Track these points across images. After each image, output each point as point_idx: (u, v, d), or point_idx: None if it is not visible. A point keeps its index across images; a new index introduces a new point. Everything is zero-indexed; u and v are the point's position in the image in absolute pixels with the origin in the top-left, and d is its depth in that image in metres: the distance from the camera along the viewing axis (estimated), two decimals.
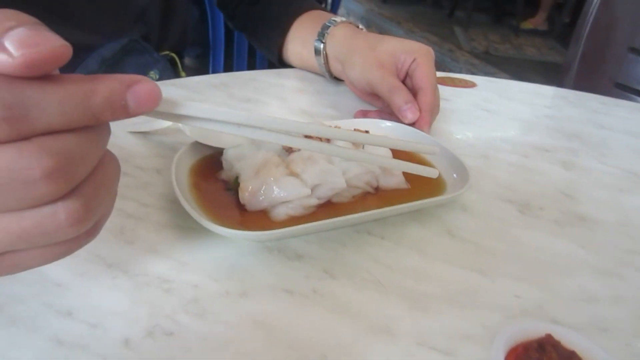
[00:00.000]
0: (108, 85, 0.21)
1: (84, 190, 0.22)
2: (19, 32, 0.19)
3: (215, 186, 0.46)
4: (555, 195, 0.54)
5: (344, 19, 0.77)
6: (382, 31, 4.76)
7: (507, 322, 0.36)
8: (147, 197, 0.47)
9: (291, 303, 0.36)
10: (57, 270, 0.37)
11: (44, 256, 0.24)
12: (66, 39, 0.21)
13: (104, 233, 0.41)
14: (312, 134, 0.32)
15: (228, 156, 0.46)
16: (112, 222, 0.43)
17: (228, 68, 1.33)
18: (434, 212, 0.48)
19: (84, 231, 0.23)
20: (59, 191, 0.20)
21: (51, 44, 0.19)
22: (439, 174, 0.50)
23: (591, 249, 0.45)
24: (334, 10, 2.97)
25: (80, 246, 0.25)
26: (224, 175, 0.47)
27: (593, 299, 0.39)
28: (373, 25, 5.07)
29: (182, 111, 0.25)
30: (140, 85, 0.22)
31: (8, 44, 0.18)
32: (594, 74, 1.07)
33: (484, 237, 0.45)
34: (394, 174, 0.47)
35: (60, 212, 0.21)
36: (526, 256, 0.43)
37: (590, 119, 0.78)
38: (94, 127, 0.22)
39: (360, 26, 0.77)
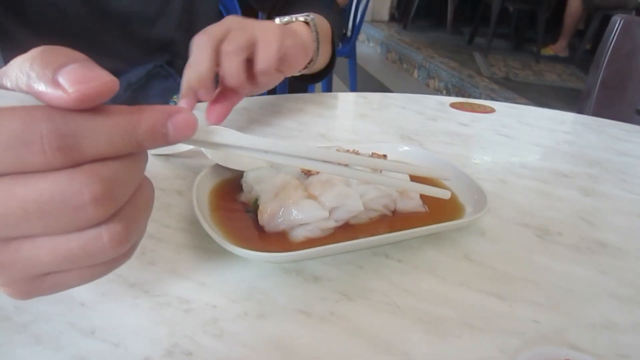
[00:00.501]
0: (151, 115, 0.22)
1: (125, 214, 0.23)
2: (72, 69, 0.20)
3: (235, 208, 0.47)
4: (575, 221, 0.54)
5: (310, 16, 0.71)
6: (402, 57, 4.84)
7: (525, 347, 0.36)
8: (169, 219, 0.48)
9: (308, 325, 0.36)
10: (81, 290, 0.38)
11: (84, 276, 0.25)
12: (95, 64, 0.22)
13: None
14: (331, 160, 0.33)
15: (248, 179, 0.47)
16: None
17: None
18: (452, 236, 0.48)
19: (125, 250, 0.24)
20: (105, 215, 0.22)
21: (102, 80, 0.20)
22: (457, 198, 0.51)
23: (612, 275, 0.45)
24: (354, 35, 3.01)
25: (117, 266, 0.26)
26: (244, 197, 0.48)
27: (614, 326, 0.39)
28: (393, 51, 5.12)
29: (215, 139, 0.27)
30: (179, 116, 0.23)
31: (62, 81, 0.20)
32: (614, 101, 1.07)
33: (501, 262, 0.45)
34: (412, 197, 0.48)
35: (104, 235, 0.22)
36: (545, 281, 0.43)
37: (610, 145, 0.77)
38: (135, 153, 0.23)
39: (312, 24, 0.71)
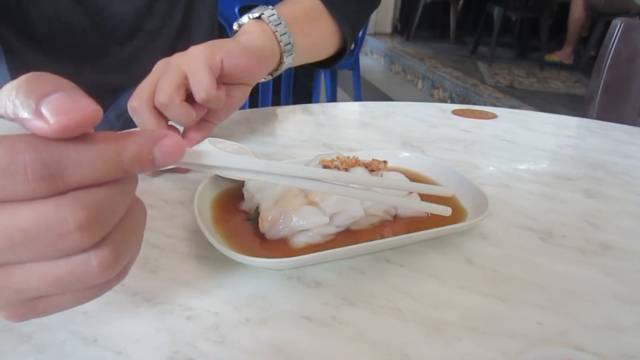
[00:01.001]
0: (137, 141, 0.22)
1: (114, 238, 0.23)
2: (54, 99, 0.20)
3: (237, 217, 0.47)
4: (579, 223, 0.53)
5: (268, 10, 0.68)
6: (405, 68, 4.86)
7: (529, 349, 0.35)
8: (171, 229, 0.48)
9: (310, 330, 0.36)
10: None
11: (76, 299, 0.25)
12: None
13: None
14: (326, 179, 0.32)
15: (249, 187, 0.48)
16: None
17: (253, 105, 1.36)
18: (453, 240, 0.48)
19: (114, 274, 0.24)
20: (91, 241, 0.22)
21: (83, 111, 0.20)
22: (459, 203, 0.51)
23: (616, 277, 0.44)
24: (357, 47, 3.03)
25: (109, 288, 0.26)
26: (245, 206, 0.48)
27: (619, 327, 0.38)
28: (397, 63, 5.15)
29: (205, 161, 0.27)
30: (166, 140, 0.23)
31: (44, 111, 0.20)
32: (617, 105, 1.07)
33: (504, 265, 0.45)
34: None
35: (92, 260, 0.22)
36: (548, 284, 0.43)
37: (614, 148, 0.77)
38: (123, 179, 0.23)
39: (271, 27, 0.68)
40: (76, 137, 0.21)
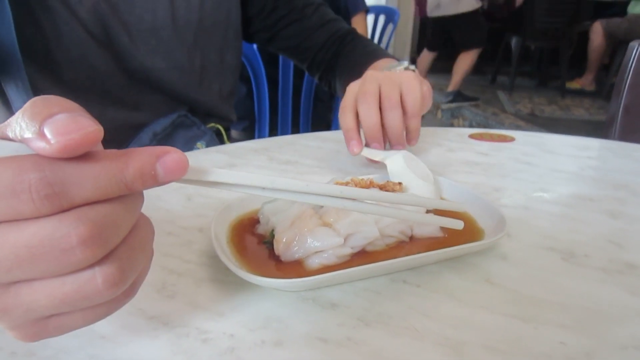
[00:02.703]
0: (139, 158, 0.23)
1: (119, 254, 0.24)
2: (57, 120, 0.21)
3: (253, 241, 0.47)
4: (602, 243, 0.52)
5: (408, 65, 0.78)
6: None
7: None
8: (189, 254, 0.49)
9: (325, 351, 0.36)
10: (101, 323, 0.38)
11: (86, 317, 0.25)
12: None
13: (146, 288, 0.43)
14: (332, 194, 0.32)
15: (265, 211, 0.48)
16: (155, 278, 0.44)
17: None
18: (472, 261, 0.47)
19: (120, 292, 0.25)
20: (94, 256, 0.22)
21: (84, 131, 0.21)
22: (476, 223, 0.50)
23: None
24: None
25: (119, 306, 0.27)
26: (261, 229, 0.48)
27: None
28: None
29: (209, 178, 0.27)
30: (168, 156, 0.24)
31: (47, 132, 0.21)
32: (639, 126, 1.05)
33: (525, 285, 0.44)
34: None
35: (98, 277, 0.23)
36: (571, 303, 0.42)
37: (637, 169, 0.75)
38: (127, 195, 0.24)
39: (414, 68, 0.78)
40: (80, 155, 0.22)
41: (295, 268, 0.43)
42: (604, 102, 4.34)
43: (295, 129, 1.59)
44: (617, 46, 4.30)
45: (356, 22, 2.56)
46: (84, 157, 0.22)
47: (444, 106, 4.30)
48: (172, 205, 0.59)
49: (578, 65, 4.82)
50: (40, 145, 0.21)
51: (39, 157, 0.21)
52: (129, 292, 0.27)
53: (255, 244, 0.47)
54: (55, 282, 0.23)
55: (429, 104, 0.74)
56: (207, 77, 0.94)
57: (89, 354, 0.36)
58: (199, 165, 0.27)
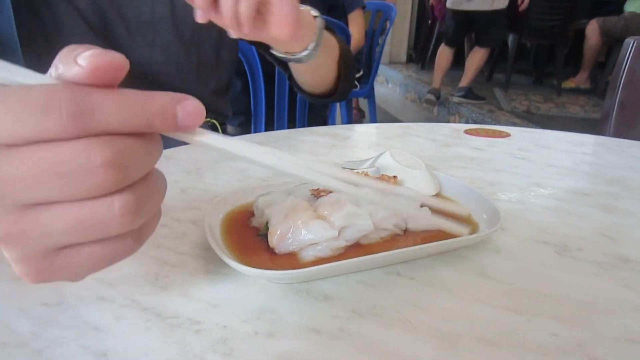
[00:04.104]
0: (162, 97, 0.24)
1: (137, 189, 0.25)
2: (89, 52, 0.23)
3: (247, 233, 0.47)
4: (596, 237, 0.52)
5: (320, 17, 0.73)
6: (421, 96, 4.88)
7: None
8: (183, 246, 0.48)
9: (318, 342, 0.36)
10: (95, 315, 0.39)
11: (94, 258, 0.26)
12: None
13: (139, 279, 0.43)
14: (339, 177, 0.31)
15: (259, 203, 0.48)
16: (148, 269, 0.44)
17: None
18: (466, 254, 0.47)
19: (134, 227, 0.25)
20: (115, 182, 0.23)
21: (112, 56, 0.23)
22: (471, 217, 0.50)
23: (635, 289, 0.43)
24: (372, 76, 3.07)
25: (126, 253, 0.27)
26: (255, 222, 0.48)
27: (638, 339, 0.37)
28: (412, 91, 5.18)
29: (216, 144, 0.27)
30: (188, 102, 0.25)
31: (80, 60, 0.22)
32: (634, 122, 1.05)
33: (518, 278, 0.44)
34: (423, 216, 0.47)
35: (115, 203, 0.24)
36: (564, 296, 0.42)
37: (631, 164, 0.76)
38: (148, 137, 0.25)
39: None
40: (107, 87, 0.23)
41: (289, 260, 0.43)
42: (599, 100, 4.34)
43: (292, 125, 1.58)
44: (613, 44, 4.31)
45: (353, 19, 2.56)
46: (110, 88, 0.23)
47: (455, 99, 4.28)
48: (166, 197, 0.58)
49: (574, 63, 4.83)
50: (73, 71, 0.22)
51: (70, 83, 0.22)
52: (139, 239, 0.27)
53: (249, 237, 0.47)
54: (74, 205, 0.23)
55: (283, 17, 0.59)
56: (204, 73, 0.94)
57: (81, 344, 0.36)
58: (207, 130, 0.27)
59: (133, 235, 0.26)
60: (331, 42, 0.79)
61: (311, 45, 0.69)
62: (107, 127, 0.23)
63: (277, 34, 0.57)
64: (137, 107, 0.23)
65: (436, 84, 4.45)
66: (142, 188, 0.25)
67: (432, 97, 4.41)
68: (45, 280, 0.26)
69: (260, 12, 0.57)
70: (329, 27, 0.90)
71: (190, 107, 0.25)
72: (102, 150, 0.22)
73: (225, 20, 0.56)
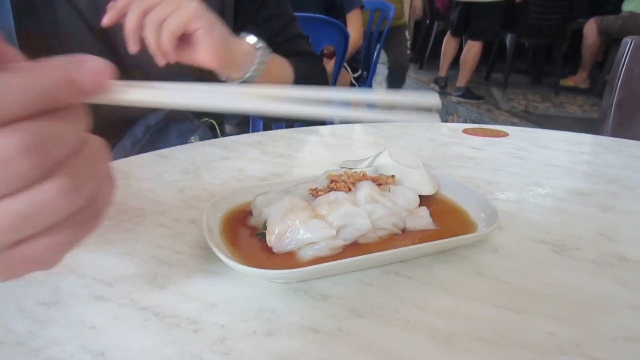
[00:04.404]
0: (53, 67, 0.23)
1: (70, 166, 0.23)
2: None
3: (245, 232, 0.47)
4: (593, 236, 0.52)
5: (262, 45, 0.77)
6: None
7: (542, 359, 0.35)
8: (181, 246, 0.48)
9: (316, 341, 0.36)
10: (92, 314, 0.39)
11: (51, 245, 0.24)
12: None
13: (137, 279, 0.43)
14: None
15: (257, 203, 0.48)
16: (146, 269, 0.44)
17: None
18: (464, 253, 0.47)
19: (80, 204, 0.24)
20: (39, 167, 0.22)
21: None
22: (468, 217, 0.50)
23: (633, 288, 0.43)
24: (370, 75, 3.07)
25: (85, 232, 0.26)
26: (254, 221, 0.48)
27: (635, 338, 0.37)
28: (411, 90, 5.17)
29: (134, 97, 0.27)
30: (88, 64, 0.23)
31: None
32: (632, 122, 1.06)
33: (516, 277, 0.44)
34: (421, 216, 0.47)
35: (50, 187, 0.22)
36: (562, 295, 0.42)
37: (629, 164, 0.76)
38: (65, 110, 0.23)
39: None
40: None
41: (287, 259, 0.43)
42: (597, 99, 4.35)
43: (290, 124, 1.58)
44: (611, 43, 4.31)
45: (351, 18, 2.55)
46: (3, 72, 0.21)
47: (453, 98, 4.31)
48: (164, 197, 0.59)
49: (572, 62, 4.83)
50: None
51: None
52: (94, 216, 0.26)
53: (247, 236, 0.47)
54: (8, 201, 0.22)
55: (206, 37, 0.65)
56: (203, 75, 0.94)
57: (79, 344, 0.36)
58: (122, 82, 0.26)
59: (86, 212, 0.25)
60: (282, 72, 0.81)
61: (247, 75, 0.72)
62: (9, 113, 0.21)
63: (204, 65, 0.63)
64: (31, 85, 0.22)
65: (442, 72, 4.63)
66: (75, 163, 0.24)
67: (436, 86, 4.53)
68: (12, 276, 0.25)
69: (190, 42, 0.63)
70: (299, 52, 0.91)
71: (90, 69, 0.23)
72: (13, 136, 0.21)
73: (150, 50, 0.63)
